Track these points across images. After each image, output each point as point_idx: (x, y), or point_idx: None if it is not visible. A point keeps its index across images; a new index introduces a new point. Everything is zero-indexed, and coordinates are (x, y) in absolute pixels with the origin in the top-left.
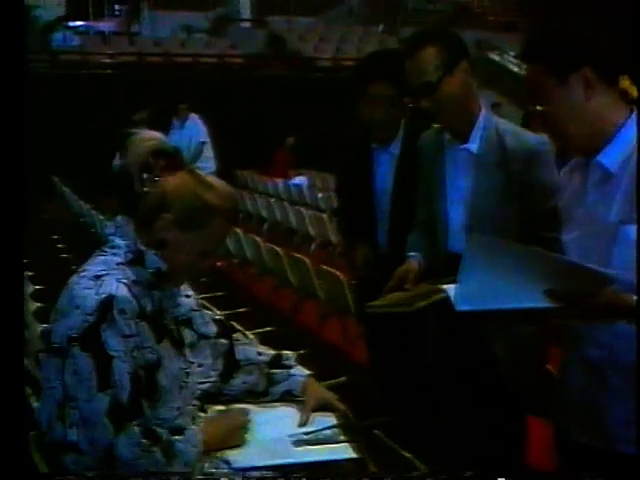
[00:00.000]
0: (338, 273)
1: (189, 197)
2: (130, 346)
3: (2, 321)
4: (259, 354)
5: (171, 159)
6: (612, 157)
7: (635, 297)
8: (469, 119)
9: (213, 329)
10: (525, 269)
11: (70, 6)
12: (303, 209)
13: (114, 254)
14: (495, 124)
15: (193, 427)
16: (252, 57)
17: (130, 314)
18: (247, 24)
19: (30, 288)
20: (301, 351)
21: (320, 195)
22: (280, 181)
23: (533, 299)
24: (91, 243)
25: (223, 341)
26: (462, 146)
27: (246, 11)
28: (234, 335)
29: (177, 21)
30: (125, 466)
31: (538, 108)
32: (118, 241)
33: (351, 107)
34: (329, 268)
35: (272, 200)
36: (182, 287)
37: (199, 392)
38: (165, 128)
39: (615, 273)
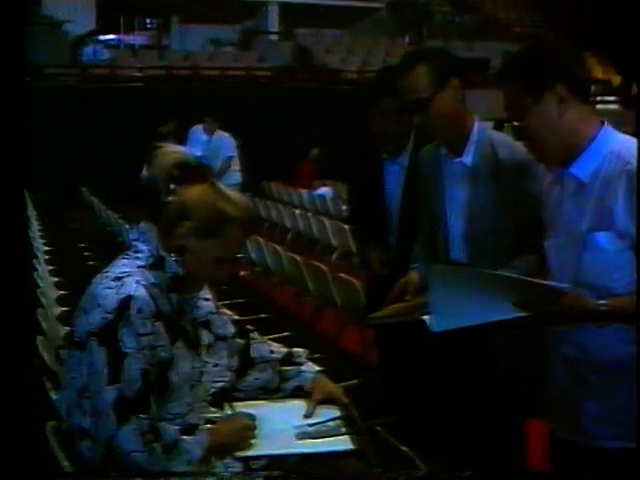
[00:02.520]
0: (355, 281)
1: (209, 207)
2: (144, 344)
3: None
4: (272, 352)
5: (194, 171)
6: (584, 168)
7: (600, 302)
8: (463, 133)
9: (230, 330)
10: (486, 288)
11: (101, 20)
12: (325, 219)
13: (136, 258)
14: (489, 136)
15: (204, 429)
16: (279, 70)
17: (147, 314)
18: (274, 37)
19: (56, 293)
20: (317, 355)
21: (344, 207)
22: (304, 192)
23: (501, 312)
24: (117, 251)
25: (239, 340)
26: (457, 159)
27: (274, 24)
28: (250, 335)
29: (206, 34)
30: (125, 456)
31: (515, 124)
32: (141, 246)
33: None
34: (346, 276)
35: (296, 211)
36: (201, 291)
37: (213, 390)
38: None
39: (564, 286)
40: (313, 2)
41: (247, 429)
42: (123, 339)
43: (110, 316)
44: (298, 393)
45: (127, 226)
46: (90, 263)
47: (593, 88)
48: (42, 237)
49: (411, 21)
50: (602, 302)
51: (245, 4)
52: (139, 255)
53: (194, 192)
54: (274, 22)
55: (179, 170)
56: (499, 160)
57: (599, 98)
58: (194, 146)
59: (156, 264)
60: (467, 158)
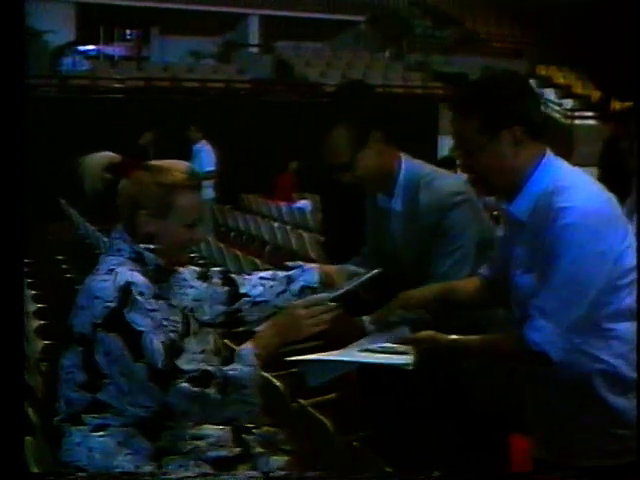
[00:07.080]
0: None
1: (150, 187)
2: (157, 319)
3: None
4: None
5: (121, 167)
6: (521, 206)
7: (451, 337)
8: (390, 177)
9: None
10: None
11: (80, 31)
12: (304, 232)
13: (120, 255)
14: (416, 176)
15: (247, 347)
16: (259, 82)
17: (149, 296)
18: (254, 49)
19: (33, 307)
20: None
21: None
22: (284, 205)
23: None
24: (95, 264)
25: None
26: (389, 203)
27: (254, 36)
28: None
29: (185, 46)
30: (182, 415)
31: (465, 157)
32: (122, 244)
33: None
34: None
35: (275, 224)
36: (188, 277)
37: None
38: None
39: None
40: (293, 15)
41: (304, 317)
42: (134, 321)
43: (112, 304)
44: (305, 293)
45: (105, 239)
46: (67, 276)
47: (572, 103)
48: None
49: (391, 35)
50: (454, 337)
51: (225, 16)
52: (122, 253)
53: (132, 181)
54: (254, 35)
55: (109, 172)
56: (420, 203)
57: (577, 113)
58: (204, 161)
59: (137, 259)
60: (397, 203)
